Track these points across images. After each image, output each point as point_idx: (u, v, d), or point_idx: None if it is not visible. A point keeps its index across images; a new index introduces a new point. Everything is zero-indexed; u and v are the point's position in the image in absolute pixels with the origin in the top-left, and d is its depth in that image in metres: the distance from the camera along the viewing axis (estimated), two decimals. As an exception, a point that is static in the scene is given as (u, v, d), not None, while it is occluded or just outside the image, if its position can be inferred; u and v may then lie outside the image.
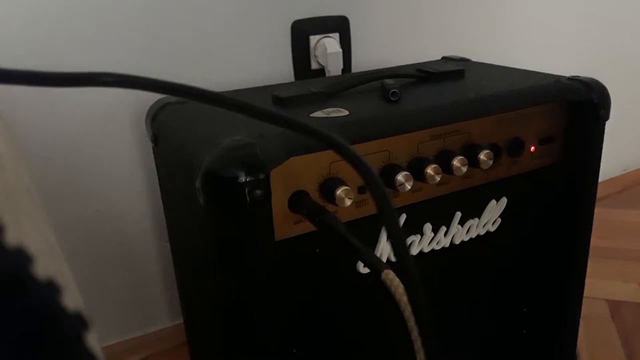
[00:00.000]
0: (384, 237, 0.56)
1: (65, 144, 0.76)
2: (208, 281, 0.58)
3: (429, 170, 0.55)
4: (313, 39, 0.88)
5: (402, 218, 0.57)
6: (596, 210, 0.70)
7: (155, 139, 0.63)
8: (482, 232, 0.63)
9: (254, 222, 0.47)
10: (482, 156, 0.58)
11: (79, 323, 0.18)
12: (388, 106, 0.57)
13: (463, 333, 0.68)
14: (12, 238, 0.16)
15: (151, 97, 0.69)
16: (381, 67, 0.85)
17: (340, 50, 0.88)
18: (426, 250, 0.60)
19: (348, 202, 0.50)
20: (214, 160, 0.46)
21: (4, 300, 0.15)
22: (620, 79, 1.35)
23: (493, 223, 0.64)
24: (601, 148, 0.66)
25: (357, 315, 0.59)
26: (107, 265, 0.84)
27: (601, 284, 1.05)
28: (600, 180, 0.68)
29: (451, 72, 0.69)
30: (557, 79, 0.65)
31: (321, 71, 0.90)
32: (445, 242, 0.61)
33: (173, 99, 0.64)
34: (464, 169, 0.57)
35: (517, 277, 0.70)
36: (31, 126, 0.73)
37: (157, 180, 0.70)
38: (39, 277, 0.17)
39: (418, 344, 0.33)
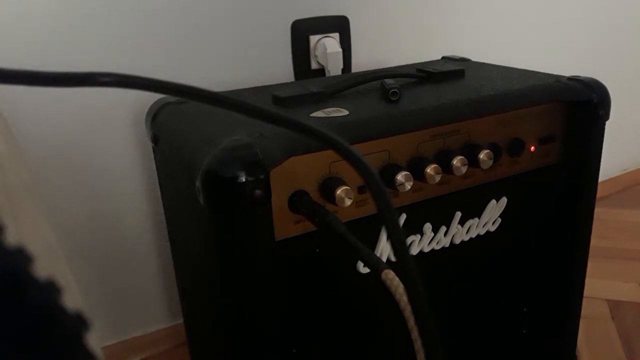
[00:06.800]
0: (384, 237, 0.56)
1: (65, 144, 0.76)
2: (208, 281, 0.58)
3: (429, 170, 0.55)
4: (313, 38, 0.88)
5: (402, 218, 0.57)
6: (596, 210, 0.70)
7: (155, 139, 0.63)
8: (482, 232, 0.63)
9: (254, 222, 0.47)
10: (482, 156, 0.58)
11: (79, 323, 0.18)
12: (388, 106, 0.57)
13: (463, 333, 0.68)
14: (12, 238, 0.16)
15: (151, 97, 0.69)
16: (381, 67, 0.85)
17: (340, 50, 0.88)
18: (426, 250, 0.60)
19: (348, 202, 0.50)
20: (214, 160, 0.46)
21: (4, 300, 0.15)
22: (620, 79, 1.35)
23: (493, 223, 0.64)
24: (601, 148, 0.66)
25: (357, 315, 0.59)
26: (107, 265, 0.84)
27: (601, 284, 1.05)
28: (600, 180, 0.68)
29: (451, 72, 0.69)
30: (557, 79, 0.65)
31: (321, 71, 0.90)
32: (445, 242, 0.61)
33: (173, 99, 0.64)
34: (464, 169, 0.57)
35: (517, 277, 0.69)
36: (31, 126, 0.73)
37: (157, 180, 0.70)
38: (39, 277, 0.17)
39: (418, 344, 0.33)
